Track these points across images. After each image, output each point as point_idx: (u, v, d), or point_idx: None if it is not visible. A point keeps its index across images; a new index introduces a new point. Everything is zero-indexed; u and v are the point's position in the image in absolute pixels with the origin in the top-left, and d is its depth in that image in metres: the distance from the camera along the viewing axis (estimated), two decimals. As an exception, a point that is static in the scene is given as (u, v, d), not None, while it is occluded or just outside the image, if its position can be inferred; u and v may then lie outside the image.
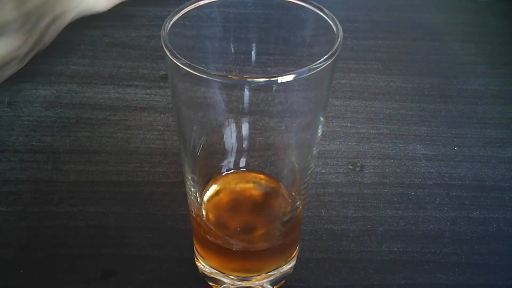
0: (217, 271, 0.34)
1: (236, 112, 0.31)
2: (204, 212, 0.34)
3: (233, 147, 0.33)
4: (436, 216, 0.41)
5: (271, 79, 0.26)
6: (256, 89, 0.29)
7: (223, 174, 0.35)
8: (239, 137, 0.32)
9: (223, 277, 0.34)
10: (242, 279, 0.33)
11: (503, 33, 0.64)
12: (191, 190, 0.32)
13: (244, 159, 0.34)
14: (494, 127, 0.49)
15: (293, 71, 0.27)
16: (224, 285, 0.34)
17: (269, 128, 0.33)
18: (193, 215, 0.33)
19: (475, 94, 0.53)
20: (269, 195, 0.36)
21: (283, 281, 0.35)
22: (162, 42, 0.26)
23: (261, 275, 0.34)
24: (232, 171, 0.35)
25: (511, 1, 0.70)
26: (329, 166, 0.44)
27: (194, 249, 0.35)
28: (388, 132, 0.48)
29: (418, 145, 0.47)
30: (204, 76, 0.24)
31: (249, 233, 0.34)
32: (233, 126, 0.32)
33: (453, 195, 0.42)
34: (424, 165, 0.45)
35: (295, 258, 0.36)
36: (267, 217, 0.35)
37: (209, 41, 0.33)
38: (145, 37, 0.60)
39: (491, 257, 0.38)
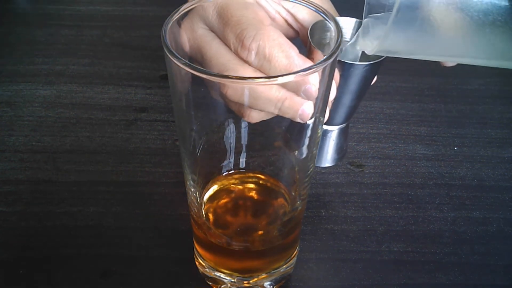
0: (217, 271, 0.34)
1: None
2: (204, 212, 0.34)
3: (233, 147, 0.33)
4: (436, 216, 0.41)
5: (271, 79, 0.26)
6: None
7: (223, 174, 0.35)
8: (239, 137, 0.32)
9: (223, 277, 0.34)
10: (242, 279, 0.33)
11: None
12: (191, 190, 0.32)
13: (244, 159, 0.34)
14: (494, 127, 0.49)
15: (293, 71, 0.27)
16: (224, 285, 0.34)
17: (269, 128, 0.33)
18: (193, 215, 0.33)
19: (475, 94, 0.53)
20: (269, 195, 0.36)
21: (283, 281, 0.35)
22: (162, 42, 0.26)
23: (261, 275, 0.34)
24: (232, 171, 0.35)
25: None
26: (329, 166, 0.44)
27: (194, 249, 0.35)
28: (388, 132, 0.48)
29: (418, 145, 0.47)
30: (204, 76, 0.24)
31: (249, 233, 0.34)
32: (233, 126, 0.32)
33: (453, 195, 0.42)
34: (424, 165, 0.45)
35: (295, 258, 0.36)
36: (267, 217, 0.35)
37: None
38: (145, 37, 0.60)
39: (491, 257, 0.38)
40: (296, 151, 0.33)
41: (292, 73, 0.25)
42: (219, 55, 0.30)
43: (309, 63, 0.29)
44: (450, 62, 0.33)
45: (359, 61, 0.31)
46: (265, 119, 0.30)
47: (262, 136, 0.33)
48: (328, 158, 0.38)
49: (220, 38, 0.30)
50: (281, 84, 0.28)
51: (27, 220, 0.39)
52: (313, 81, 0.26)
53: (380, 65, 0.31)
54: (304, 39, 0.33)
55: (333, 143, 0.37)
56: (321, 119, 0.29)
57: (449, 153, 0.46)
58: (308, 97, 0.27)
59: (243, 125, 0.32)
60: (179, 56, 0.25)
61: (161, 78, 0.53)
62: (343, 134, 0.37)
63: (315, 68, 0.25)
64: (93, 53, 0.57)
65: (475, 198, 0.42)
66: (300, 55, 0.29)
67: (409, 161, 0.45)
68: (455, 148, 0.47)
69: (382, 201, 0.41)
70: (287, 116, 0.29)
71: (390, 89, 0.53)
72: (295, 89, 0.28)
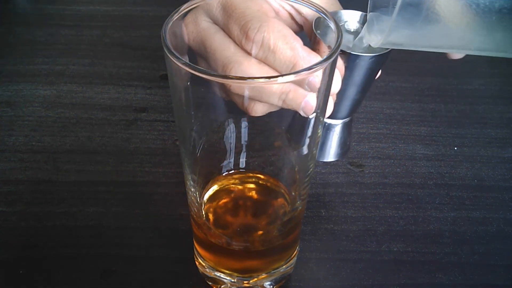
0: (217, 271, 0.34)
1: (236, 112, 0.31)
2: (204, 212, 0.34)
3: (233, 147, 0.33)
4: (436, 216, 0.41)
5: (271, 79, 0.26)
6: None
7: (223, 174, 0.35)
8: (239, 137, 0.32)
9: (223, 277, 0.34)
10: (242, 279, 0.33)
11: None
12: (191, 190, 0.32)
13: (244, 159, 0.34)
14: (494, 127, 0.49)
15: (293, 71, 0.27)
16: (224, 285, 0.34)
17: (269, 128, 0.33)
18: (193, 215, 0.33)
19: (475, 94, 0.53)
20: (269, 195, 0.36)
21: (283, 281, 0.35)
22: (162, 42, 0.26)
23: (261, 275, 0.34)
24: (232, 171, 0.35)
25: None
26: (329, 166, 0.44)
27: (194, 249, 0.35)
28: (388, 132, 0.48)
29: (418, 145, 0.47)
30: (204, 76, 0.24)
31: (249, 233, 0.34)
32: (233, 126, 0.32)
33: (453, 195, 0.42)
34: (424, 165, 0.45)
35: (295, 258, 0.36)
36: (267, 217, 0.35)
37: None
38: (145, 37, 0.60)
39: (491, 257, 0.38)
40: (296, 151, 0.33)
41: (292, 73, 0.25)
42: (223, 48, 0.29)
43: (313, 55, 0.28)
44: (457, 53, 0.33)
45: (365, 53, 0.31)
46: (268, 112, 0.30)
47: (262, 136, 0.33)
48: (331, 153, 0.37)
49: (224, 31, 0.30)
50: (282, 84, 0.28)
51: (27, 220, 0.39)
52: (317, 73, 0.26)
53: (386, 57, 0.31)
54: (309, 33, 0.33)
55: (336, 137, 0.37)
56: (321, 119, 0.29)
57: (449, 153, 0.46)
58: (311, 89, 0.27)
59: (243, 125, 0.32)
60: (179, 56, 0.25)
61: (161, 78, 0.53)
62: (347, 128, 0.37)
63: (315, 68, 0.25)
64: (93, 53, 0.57)
65: (475, 198, 0.42)
66: (304, 46, 0.28)
67: (409, 161, 0.45)
68: (455, 148, 0.47)
69: (382, 201, 0.41)
70: (290, 108, 0.29)
71: (390, 89, 0.53)
72: (299, 81, 0.28)
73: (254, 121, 0.32)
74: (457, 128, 0.49)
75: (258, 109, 0.30)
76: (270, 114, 0.31)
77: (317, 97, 0.28)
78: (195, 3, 0.30)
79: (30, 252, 0.37)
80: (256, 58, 0.29)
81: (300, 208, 0.33)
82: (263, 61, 0.29)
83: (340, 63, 0.30)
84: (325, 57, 0.25)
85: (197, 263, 0.36)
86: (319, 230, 0.39)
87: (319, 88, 0.27)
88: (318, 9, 0.29)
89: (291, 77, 0.25)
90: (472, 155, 0.46)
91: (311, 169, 0.31)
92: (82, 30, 0.61)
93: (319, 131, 0.30)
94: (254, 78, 0.27)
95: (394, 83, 0.54)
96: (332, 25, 0.28)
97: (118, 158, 0.44)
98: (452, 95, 0.53)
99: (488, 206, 0.42)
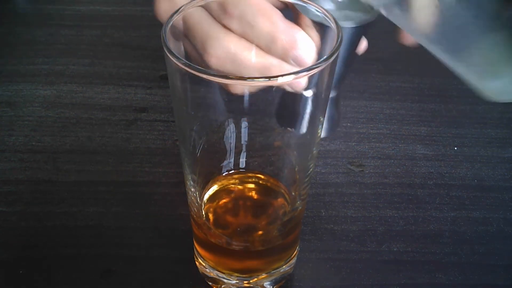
0: (217, 271, 0.34)
1: (236, 112, 0.31)
2: (204, 212, 0.34)
3: (233, 147, 0.33)
4: (436, 216, 0.41)
5: (271, 79, 0.26)
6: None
7: (223, 174, 0.35)
8: (239, 137, 0.32)
9: (223, 277, 0.34)
10: (242, 279, 0.33)
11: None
12: (191, 190, 0.32)
13: (244, 159, 0.34)
14: (494, 127, 0.49)
15: (293, 71, 0.27)
16: (224, 285, 0.34)
17: (269, 128, 0.33)
18: (193, 215, 0.33)
19: (475, 94, 0.53)
20: (269, 195, 0.36)
21: (283, 281, 0.35)
22: (162, 42, 0.26)
23: (261, 275, 0.34)
24: (232, 171, 0.35)
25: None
26: (329, 166, 0.44)
27: (194, 249, 0.35)
28: (388, 132, 0.48)
29: (418, 145, 0.47)
30: (204, 76, 0.24)
31: (249, 233, 0.34)
32: (233, 126, 0.32)
33: (453, 195, 0.42)
34: (424, 165, 0.45)
35: (295, 258, 0.36)
36: (267, 217, 0.35)
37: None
38: (145, 37, 0.60)
39: (491, 257, 0.38)
40: (296, 151, 0.33)
41: (292, 73, 0.25)
42: (202, 24, 0.29)
43: (296, 28, 0.28)
44: (415, 40, 0.32)
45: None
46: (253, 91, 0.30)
47: (262, 136, 0.33)
48: None
49: (204, 8, 0.30)
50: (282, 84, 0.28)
51: (27, 220, 0.39)
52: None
53: (367, 27, 0.30)
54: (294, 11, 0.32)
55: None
56: (321, 118, 0.29)
57: (449, 153, 0.46)
58: (300, 66, 0.27)
59: (243, 125, 0.32)
60: (179, 56, 0.25)
61: (161, 78, 0.53)
62: (334, 104, 0.36)
63: (316, 68, 0.25)
64: (93, 53, 0.57)
65: (475, 198, 0.42)
66: (285, 20, 0.28)
67: (409, 161, 0.45)
68: (455, 148, 0.47)
69: (382, 201, 0.41)
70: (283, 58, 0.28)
71: (390, 89, 0.53)
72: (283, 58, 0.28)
73: (254, 121, 0.32)
74: (457, 128, 0.49)
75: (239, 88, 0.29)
76: (270, 114, 0.31)
77: (318, 96, 0.27)
78: (195, 3, 0.30)
79: (30, 252, 0.37)
80: (235, 33, 0.28)
81: (300, 208, 0.33)
82: (242, 35, 0.28)
83: (315, 35, 0.30)
84: (325, 56, 0.25)
85: (197, 263, 0.36)
86: (319, 230, 0.39)
87: (320, 88, 0.27)
88: (319, 9, 0.29)
89: (291, 77, 0.25)
90: (472, 155, 0.46)
91: (311, 169, 0.31)
92: (82, 30, 0.61)
93: (319, 131, 0.30)
94: (254, 78, 0.27)
95: (394, 83, 0.54)
96: (332, 24, 0.28)
97: (118, 158, 0.44)
98: (452, 95, 0.53)
99: (488, 206, 0.42)
